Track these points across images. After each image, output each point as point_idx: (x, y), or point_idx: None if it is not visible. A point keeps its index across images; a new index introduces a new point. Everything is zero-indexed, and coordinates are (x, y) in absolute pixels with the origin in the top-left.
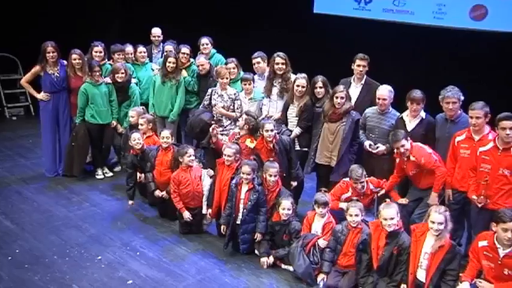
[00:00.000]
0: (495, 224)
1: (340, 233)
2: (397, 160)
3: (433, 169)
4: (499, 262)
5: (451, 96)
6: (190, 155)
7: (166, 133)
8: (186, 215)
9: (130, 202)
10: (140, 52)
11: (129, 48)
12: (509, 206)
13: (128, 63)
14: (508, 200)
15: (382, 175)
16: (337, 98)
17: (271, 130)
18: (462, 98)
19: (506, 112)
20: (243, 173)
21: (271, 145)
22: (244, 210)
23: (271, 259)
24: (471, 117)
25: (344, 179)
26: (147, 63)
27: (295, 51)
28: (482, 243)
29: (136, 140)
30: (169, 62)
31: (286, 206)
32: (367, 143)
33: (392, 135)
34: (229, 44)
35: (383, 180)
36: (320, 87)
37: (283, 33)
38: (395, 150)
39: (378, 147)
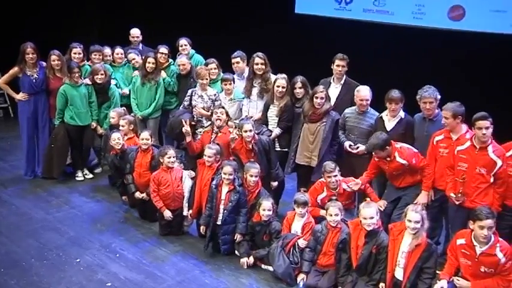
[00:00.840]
0: (472, 222)
1: (320, 233)
2: (375, 159)
3: (422, 168)
4: (476, 260)
5: (428, 96)
6: (170, 156)
7: (145, 134)
8: (167, 214)
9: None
10: (117, 53)
11: (107, 50)
12: (486, 204)
13: (106, 64)
14: (485, 198)
15: (361, 174)
16: (316, 98)
17: (250, 130)
18: (439, 97)
19: (482, 112)
20: (225, 174)
21: (250, 145)
22: (225, 211)
23: (251, 259)
24: (443, 117)
25: (319, 180)
26: (124, 64)
27: (276, 51)
28: (460, 241)
29: (116, 139)
30: (149, 63)
31: (266, 207)
32: (347, 144)
33: (372, 139)
34: (209, 44)
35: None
36: (300, 88)
37: (264, 33)
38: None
39: (357, 147)
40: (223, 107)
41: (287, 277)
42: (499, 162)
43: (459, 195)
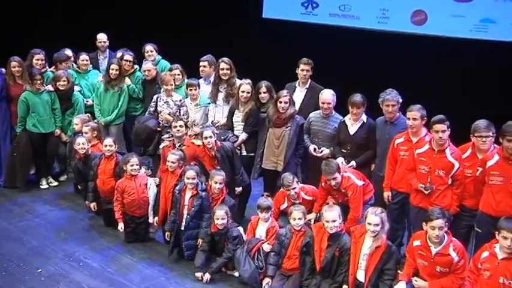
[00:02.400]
0: (425, 223)
1: (284, 237)
2: (323, 184)
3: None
4: (432, 260)
5: (390, 99)
6: (133, 164)
7: (109, 141)
8: (120, 226)
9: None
10: (83, 60)
11: (68, 52)
12: (444, 206)
13: (70, 69)
14: (443, 200)
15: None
16: (280, 102)
17: (210, 137)
18: (400, 100)
19: (440, 115)
20: (188, 178)
21: (213, 152)
22: (188, 216)
23: (206, 276)
24: (408, 119)
25: (281, 189)
26: (89, 70)
27: (244, 56)
28: (416, 242)
29: (81, 144)
30: (112, 69)
31: (219, 215)
32: (311, 147)
33: (324, 166)
34: (176, 50)
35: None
36: (264, 92)
37: (232, 38)
38: (325, 180)
39: (322, 151)
40: (181, 119)
41: (253, 281)
42: (457, 165)
43: (428, 184)
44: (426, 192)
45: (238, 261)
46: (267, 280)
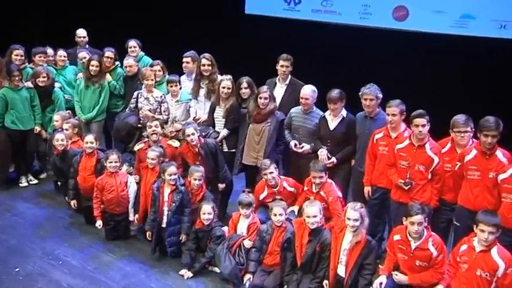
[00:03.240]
0: (405, 218)
1: (265, 233)
2: (306, 188)
3: (332, 213)
4: (411, 254)
5: (369, 93)
6: (112, 161)
7: (90, 138)
8: (98, 223)
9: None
10: (60, 56)
11: (49, 50)
12: (424, 200)
13: (50, 66)
14: (423, 195)
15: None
16: (260, 98)
17: (193, 134)
18: (380, 95)
19: (420, 110)
20: (170, 174)
21: (197, 149)
22: (169, 212)
23: (188, 274)
24: (388, 114)
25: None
26: (66, 66)
27: (227, 52)
28: (397, 237)
29: (60, 140)
30: (92, 66)
31: (206, 210)
32: (292, 143)
33: (313, 164)
34: (159, 46)
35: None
36: (245, 88)
37: (215, 34)
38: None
39: (303, 147)
40: (157, 120)
41: (234, 278)
42: (436, 159)
43: (407, 180)
44: (406, 188)
45: (219, 258)
46: (248, 276)
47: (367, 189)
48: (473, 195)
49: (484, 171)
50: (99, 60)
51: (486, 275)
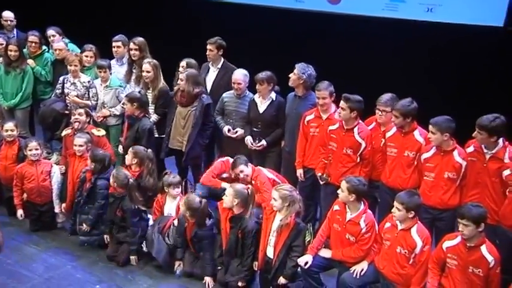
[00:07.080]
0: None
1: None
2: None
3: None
4: (344, 226)
5: (295, 71)
6: (31, 149)
7: (9, 125)
8: (19, 213)
9: None
10: None
11: None
12: None
13: None
14: None
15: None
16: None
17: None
18: (307, 74)
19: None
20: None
21: None
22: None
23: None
24: (318, 98)
25: (223, 159)
26: None
27: (168, 36)
28: (336, 207)
29: None
30: (11, 50)
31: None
32: (226, 128)
33: (233, 160)
34: (91, 31)
35: None
36: (183, 67)
37: (152, 18)
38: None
39: (236, 132)
40: (82, 107)
41: (166, 264)
42: (363, 144)
43: (324, 175)
44: (321, 182)
45: (151, 243)
46: (178, 263)
47: (299, 172)
48: (389, 171)
49: (400, 148)
50: (17, 44)
51: (405, 252)
